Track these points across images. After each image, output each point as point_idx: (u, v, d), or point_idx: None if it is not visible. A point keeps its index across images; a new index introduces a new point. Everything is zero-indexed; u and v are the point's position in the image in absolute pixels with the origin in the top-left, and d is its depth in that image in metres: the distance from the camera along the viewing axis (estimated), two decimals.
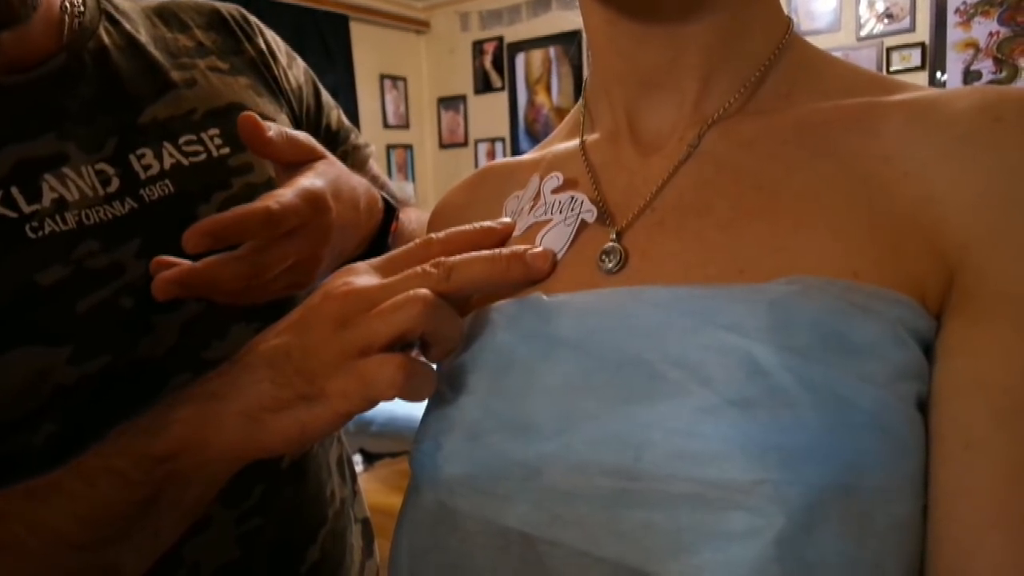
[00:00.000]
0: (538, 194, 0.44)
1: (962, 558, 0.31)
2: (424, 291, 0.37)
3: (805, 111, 0.39)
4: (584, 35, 0.45)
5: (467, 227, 0.43)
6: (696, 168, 0.40)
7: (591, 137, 0.46)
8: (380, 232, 0.59)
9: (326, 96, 0.72)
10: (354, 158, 0.73)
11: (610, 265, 0.39)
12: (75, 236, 0.48)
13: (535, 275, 0.41)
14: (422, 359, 0.39)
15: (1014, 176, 0.32)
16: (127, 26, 0.58)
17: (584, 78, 0.48)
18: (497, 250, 0.40)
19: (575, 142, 0.47)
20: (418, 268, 0.39)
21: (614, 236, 0.40)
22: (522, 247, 0.41)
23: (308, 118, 0.69)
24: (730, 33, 0.40)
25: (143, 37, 0.58)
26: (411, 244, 0.42)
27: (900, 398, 0.32)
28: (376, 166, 0.77)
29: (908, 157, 0.35)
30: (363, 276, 0.39)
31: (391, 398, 0.36)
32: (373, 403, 0.36)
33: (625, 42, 0.41)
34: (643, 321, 0.35)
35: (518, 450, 0.36)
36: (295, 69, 0.69)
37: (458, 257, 0.39)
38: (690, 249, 0.37)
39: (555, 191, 0.43)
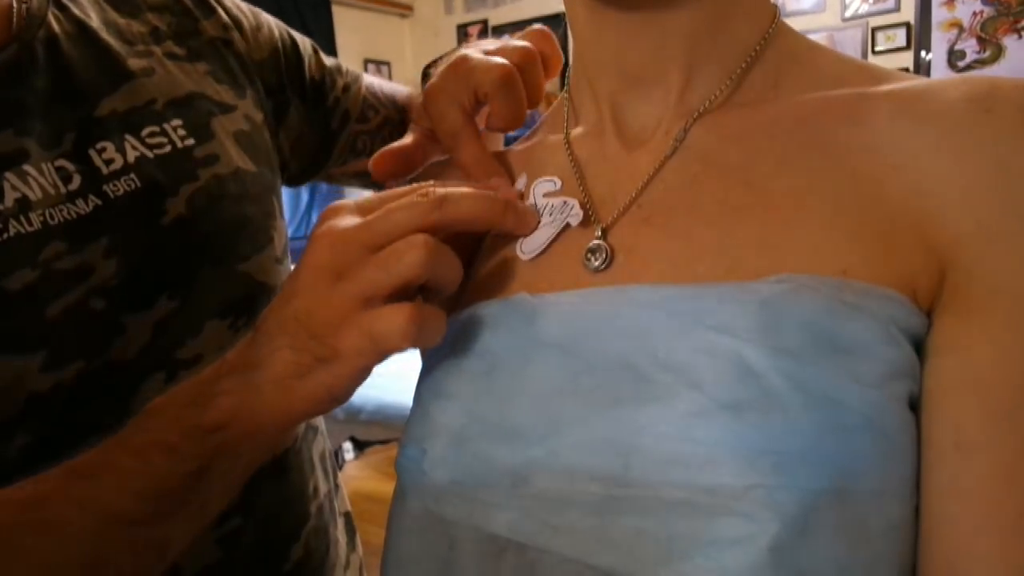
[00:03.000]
0: (523, 196, 0.43)
1: (955, 560, 0.31)
2: (424, 236, 0.35)
3: (793, 103, 0.38)
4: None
5: (467, 187, 0.40)
6: (682, 163, 0.39)
7: (575, 130, 0.45)
8: None
9: (303, 46, 0.69)
10: (346, 102, 0.70)
11: (596, 263, 0.38)
12: (41, 237, 0.46)
13: (523, 228, 0.40)
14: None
15: (1005, 169, 0.32)
16: (76, 11, 0.55)
17: (567, 64, 0.47)
18: (492, 193, 0.39)
19: (559, 136, 0.46)
20: (403, 199, 0.37)
21: (599, 233, 0.39)
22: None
23: (291, 81, 0.66)
24: (715, 22, 0.39)
25: (94, 22, 0.55)
26: (404, 187, 0.40)
27: (893, 398, 0.32)
28: (372, 84, 0.73)
29: (897, 149, 0.34)
30: (346, 217, 0.37)
31: (404, 350, 0.35)
32: (388, 355, 0.35)
33: (608, 33, 0.40)
34: (630, 322, 0.35)
35: (505, 456, 0.36)
36: (264, 31, 0.65)
37: (451, 189, 0.37)
38: (677, 247, 0.37)
39: (548, 195, 0.42)
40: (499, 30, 4.24)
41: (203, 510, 0.41)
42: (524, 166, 0.46)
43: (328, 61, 0.71)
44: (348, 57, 4.17)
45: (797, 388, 0.31)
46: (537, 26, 0.51)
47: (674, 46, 0.39)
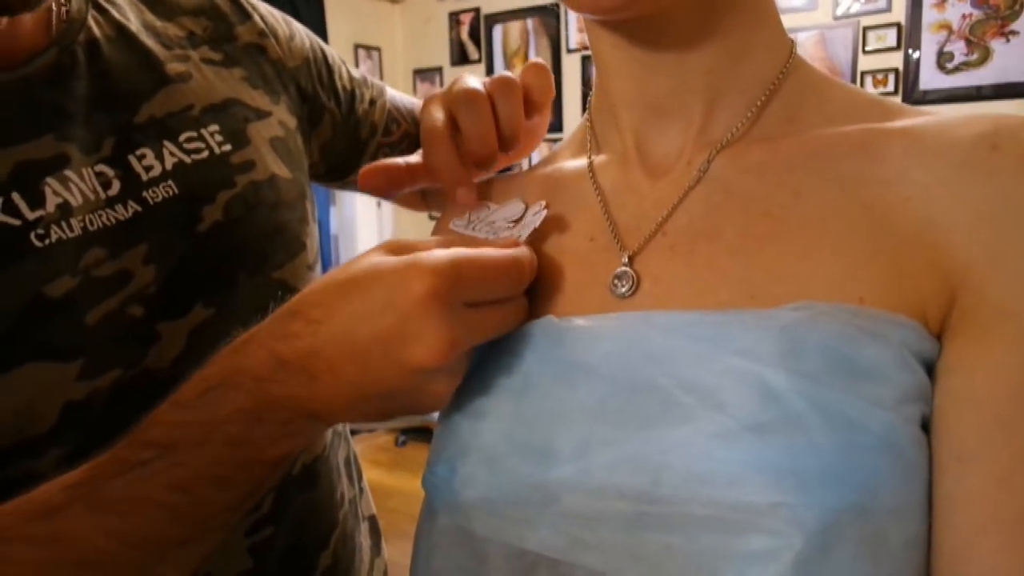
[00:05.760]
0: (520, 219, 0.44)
1: (958, 565, 0.33)
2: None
3: (810, 137, 0.40)
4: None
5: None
6: (705, 193, 0.41)
7: (598, 158, 0.46)
8: None
9: (332, 56, 0.69)
10: (372, 116, 0.70)
11: (623, 289, 0.40)
12: (82, 243, 0.46)
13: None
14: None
15: (1009, 201, 0.34)
16: (115, 14, 0.54)
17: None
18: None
19: (582, 162, 0.47)
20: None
21: (626, 260, 0.41)
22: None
23: (324, 89, 0.66)
24: (735, 57, 0.40)
25: (133, 25, 0.55)
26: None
27: (907, 420, 0.34)
28: (395, 98, 0.74)
29: (909, 182, 0.36)
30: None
31: None
32: None
33: (631, 66, 0.42)
34: (656, 346, 0.36)
35: (536, 474, 0.37)
36: (296, 40, 0.65)
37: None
38: (701, 274, 0.38)
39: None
40: (491, 18, 4.21)
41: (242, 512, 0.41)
42: (544, 192, 0.47)
43: (355, 73, 0.71)
44: (339, 43, 4.14)
45: (817, 410, 0.33)
46: (533, 60, 0.52)
47: (696, 80, 0.41)
